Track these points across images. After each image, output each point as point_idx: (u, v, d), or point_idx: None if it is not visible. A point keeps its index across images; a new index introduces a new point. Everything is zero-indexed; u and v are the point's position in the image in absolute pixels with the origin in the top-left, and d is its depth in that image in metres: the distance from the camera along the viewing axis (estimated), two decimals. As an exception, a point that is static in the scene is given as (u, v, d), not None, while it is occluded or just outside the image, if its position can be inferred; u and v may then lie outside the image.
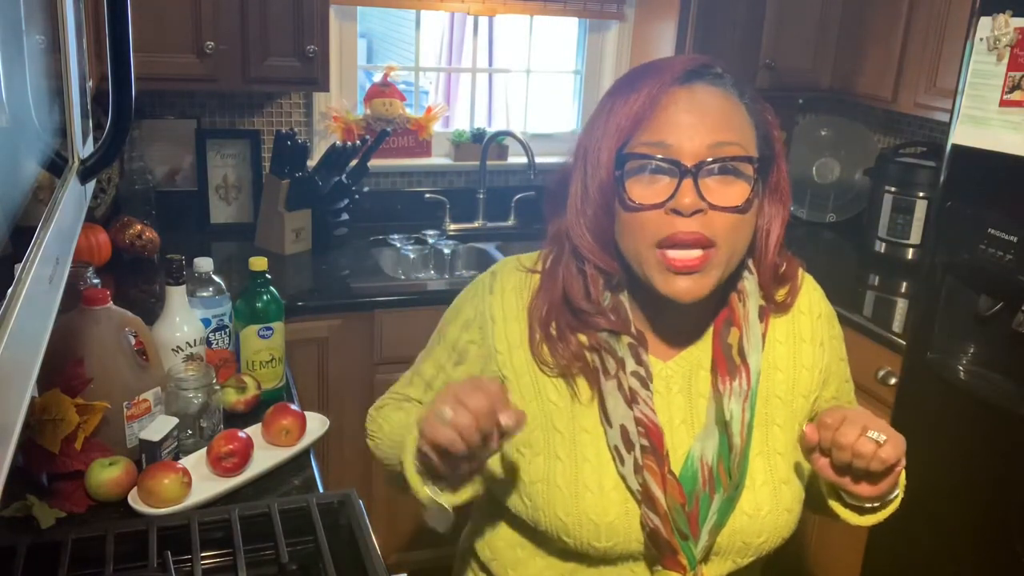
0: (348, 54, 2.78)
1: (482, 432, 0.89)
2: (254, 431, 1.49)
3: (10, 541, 1.14)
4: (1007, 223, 1.79)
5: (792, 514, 1.04)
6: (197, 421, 1.47)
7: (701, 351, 1.05)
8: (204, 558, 1.17)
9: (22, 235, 0.57)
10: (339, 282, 2.40)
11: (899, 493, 1.03)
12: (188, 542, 1.17)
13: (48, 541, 1.16)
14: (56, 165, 0.73)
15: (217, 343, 1.65)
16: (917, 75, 2.45)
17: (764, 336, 1.05)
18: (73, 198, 0.79)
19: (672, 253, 0.95)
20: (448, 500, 0.96)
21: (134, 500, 1.29)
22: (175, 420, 1.42)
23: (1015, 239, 1.77)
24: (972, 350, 1.93)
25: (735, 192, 0.94)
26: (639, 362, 1.01)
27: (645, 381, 1.00)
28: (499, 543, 1.13)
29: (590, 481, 1.01)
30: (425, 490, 0.96)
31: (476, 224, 2.92)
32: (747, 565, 1.06)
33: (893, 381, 2.08)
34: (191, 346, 1.56)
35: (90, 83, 1.30)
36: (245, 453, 1.40)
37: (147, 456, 1.36)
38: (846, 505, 1.02)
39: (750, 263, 1.05)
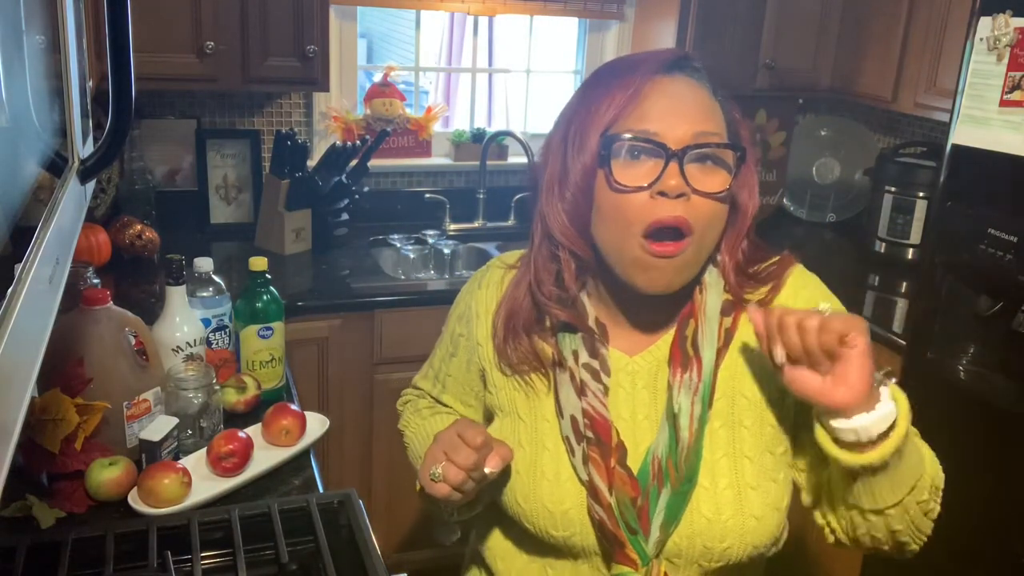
0: (348, 54, 2.78)
1: (473, 480, 0.97)
2: (254, 431, 1.49)
3: (10, 541, 1.14)
4: (1007, 223, 1.79)
5: (761, 522, 0.99)
6: (197, 421, 1.47)
7: (666, 347, 1.04)
8: (204, 558, 1.17)
9: (22, 235, 0.56)
10: (339, 282, 2.40)
11: (897, 420, 0.90)
12: (188, 542, 1.17)
13: (48, 541, 1.16)
14: (56, 165, 0.73)
15: (217, 343, 1.65)
16: (917, 75, 2.45)
17: (732, 332, 1.03)
18: (73, 198, 0.79)
19: (650, 243, 0.95)
20: (460, 518, 1.10)
21: (134, 500, 1.29)
22: (175, 420, 1.42)
23: (1015, 239, 1.77)
24: (972, 350, 1.93)
25: (717, 180, 0.95)
26: (593, 355, 1.02)
27: (597, 373, 1.01)
28: (492, 534, 1.16)
29: (547, 469, 1.03)
30: (441, 515, 1.09)
31: (476, 224, 2.92)
32: (717, 571, 1.03)
33: (893, 381, 2.08)
34: (191, 346, 1.56)
35: (90, 83, 1.30)
36: (245, 453, 1.40)
37: (147, 456, 1.36)
38: (842, 445, 0.91)
39: (717, 257, 1.03)
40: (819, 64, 2.78)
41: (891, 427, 0.90)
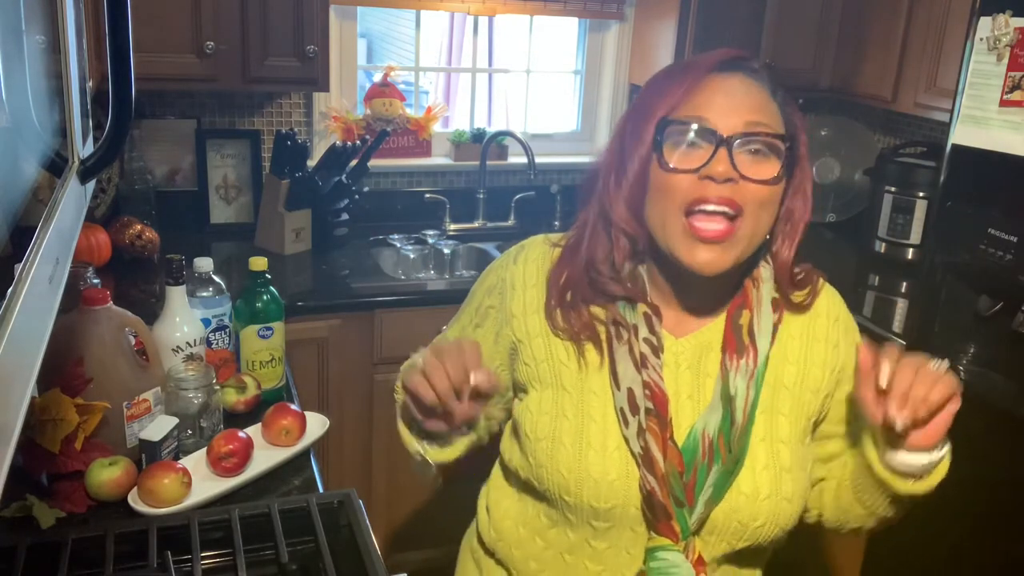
0: (348, 54, 2.78)
1: (453, 381, 0.95)
2: (254, 431, 1.49)
3: (10, 541, 1.14)
4: (1007, 223, 1.79)
5: (792, 505, 1.06)
6: (197, 421, 1.47)
7: (713, 332, 1.08)
8: (204, 558, 1.18)
9: (22, 235, 0.57)
10: (339, 282, 2.40)
11: (947, 455, 1.02)
12: (188, 542, 1.17)
13: (48, 541, 1.16)
14: (56, 165, 0.73)
15: (217, 343, 1.65)
16: (917, 75, 2.45)
17: (777, 327, 1.08)
18: (73, 198, 0.79)
19: (699, 222, 0.98)
20: (434, 456, 1.08)
21: (134, 500, 1.29)
22: (175, 420, 1.42)
23: (1015, 239, 1.77)
24: (972, 350, 1.93)
25: (766, 167, 0.99)
26: (651, 331, 1.05)
27: (656, 349, 1.04)
28: (505, 523, 1.16)
29: (594, 440, 1.04)
30: (412, 442, 1.08)
31: (476, 224, 2.92)
32: (742, 552, 1.08)
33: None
34: (191, 346, 1.56)
35: (90, 83, 1.30)
36: (245, 453, 1.40)
37: (147, 456, 1.36)
38: (895, 473, 1.03)
39: (768, 256, 1.09)
40: (819, 64, 2.78)
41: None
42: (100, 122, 0.90)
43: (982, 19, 1.84)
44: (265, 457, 1.44)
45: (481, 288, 1.19)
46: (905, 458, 1.00)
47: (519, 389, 1.14)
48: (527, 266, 1.14)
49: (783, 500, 1.04)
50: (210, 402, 1.48)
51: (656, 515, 1.02)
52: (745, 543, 1.06)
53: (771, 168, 0.99)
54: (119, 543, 1.16)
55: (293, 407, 1.53)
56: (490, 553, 1.19)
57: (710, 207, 0.98)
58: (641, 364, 1.03)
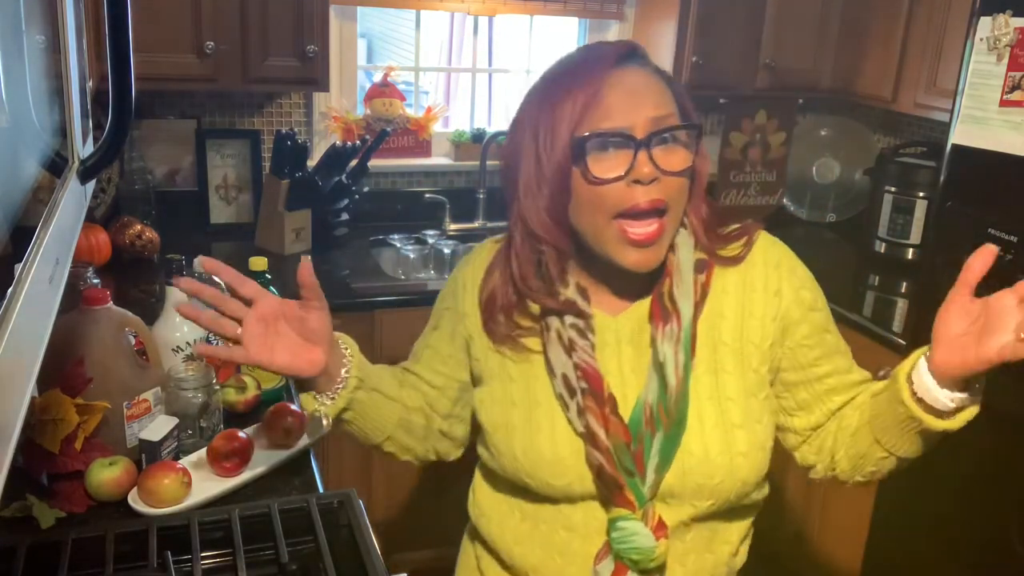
0: (348, 54, 2.78)
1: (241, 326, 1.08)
2: (254, 431, 1.49)
3: (10, 541, 1.14)
4: (1007, 223, 1.79)
5: (748, 459, 1.07)
6: (197, 421, 1.47)
7: (647, 306, 1.11)
8: (204, 558, 1.17)
9: (22, 235, 0.57)
10: (339, 282, 2.40)
11: (979, 399, 1.05)
12: (188, 542, 1.17)
13: (48, 541, 1.16)
14: (56, 165, 0.73)
15: (217, 343, 1.65)
16: (917, 75, 2.45)
17: (707, 286, 1.10)
18: (73, 198, 0.79)
19: (631, 227, 1.02)
20: (328, 410, 1.11)
21: (134, 500, 1.29)
22: (175, 420, 1.42)
23: (1015, 239, 1.77)
24: (972, 350, 1.92)
25: (679, 158, 1.03)
26: (577, 315, 1.08)
27: (583, 332, 1.08)
28: (486, 501, 1.21)
29: (543, 422, 1.09)
30: (311, 403, 1.11)
31: (476, 224, 2.92)
32: (714, 512, 1.09)
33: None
34: (191, 346, 1.56)
35: (90, 83, 1.30)
36: (245, 453, 1.39)
37: (147, 456, 1.36)
38: (927, 411, 1.04)
39: (684, 220, 1.10)
40: (819, 64, 2.78)
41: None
42: (100, 122, 0.90)
43: (982, 19, 1.84)
44: (265, 457, 1.44)
45: (442, 292, 1.25)
46: (950, 396, 1.02)
47: (476, 384, 1.19)
48: (476, 267, 1.19)
49: (737, 455, 1.06)
50: (210, 402, 1.48)
51: (608, 487, 1.05)
52: (710, 501, 1.07)
53: (684, 157, 1.03)
54: (119, 543, 1.16)
55: (293, 407, 1.53)
56: (478, 535, 1.23)
57: (641, 211, 1.01)
58: (570, 348, 1.07)
